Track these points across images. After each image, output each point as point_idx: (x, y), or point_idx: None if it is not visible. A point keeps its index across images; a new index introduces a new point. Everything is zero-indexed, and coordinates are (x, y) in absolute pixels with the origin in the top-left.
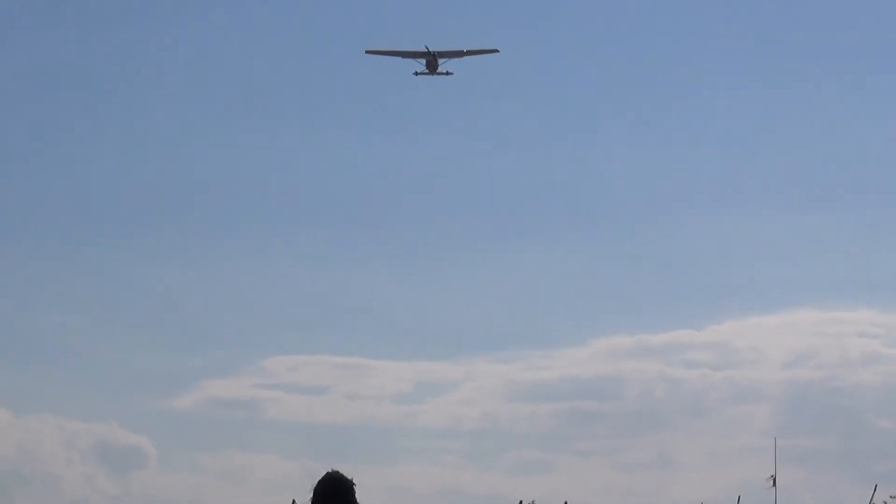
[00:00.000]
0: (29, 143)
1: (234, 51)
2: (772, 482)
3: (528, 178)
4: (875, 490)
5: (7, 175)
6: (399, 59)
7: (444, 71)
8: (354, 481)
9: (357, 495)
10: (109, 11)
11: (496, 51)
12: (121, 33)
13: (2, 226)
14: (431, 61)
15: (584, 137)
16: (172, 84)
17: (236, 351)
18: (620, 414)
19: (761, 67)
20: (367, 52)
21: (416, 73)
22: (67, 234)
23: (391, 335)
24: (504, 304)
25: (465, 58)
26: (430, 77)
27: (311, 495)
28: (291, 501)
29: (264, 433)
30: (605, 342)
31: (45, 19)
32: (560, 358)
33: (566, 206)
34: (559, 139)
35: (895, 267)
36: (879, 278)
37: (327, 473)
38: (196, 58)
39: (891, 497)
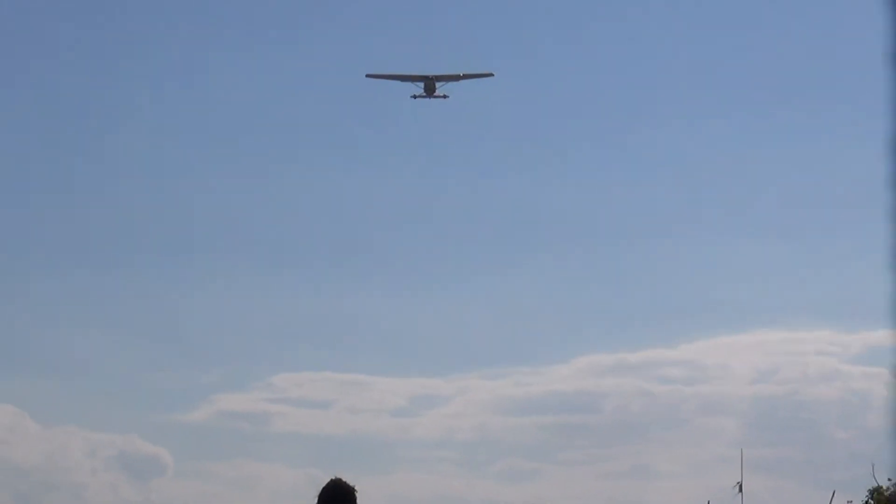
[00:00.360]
0: (58, 175)
1: (245, 82)
2: (738, 489)
3: (515, 203)
4: (833, 496)
5: (38, 209)
6: (398, 82)
7: (441, 94)
8: (356, 488)
9: (358, 501)
10: (128, 42)
11: (491, 74)
12: (137, 60)
13: (36, 254)
14: (429, 84)
15: (569, 165)
16: (184, 116)
17: (246, 368)
18: (601, 426)
19: (736, 105)
20: (368, 76)
21: (414, 97)
22: (95, 261)
23: (389, 354)
24: (493, 324)
25: (462, 81)
26: (427, 100)
27: (316, 501)
28: None
29: (272, 444)
30: (587, 360)
31: (71, 40)
32: (545, 374)
33: (552, 233)
34: (545, 165)
35: (851, 292)
36: (836, 302)
37: (331, 481)
38: (207, 91)
39: (848, 502)
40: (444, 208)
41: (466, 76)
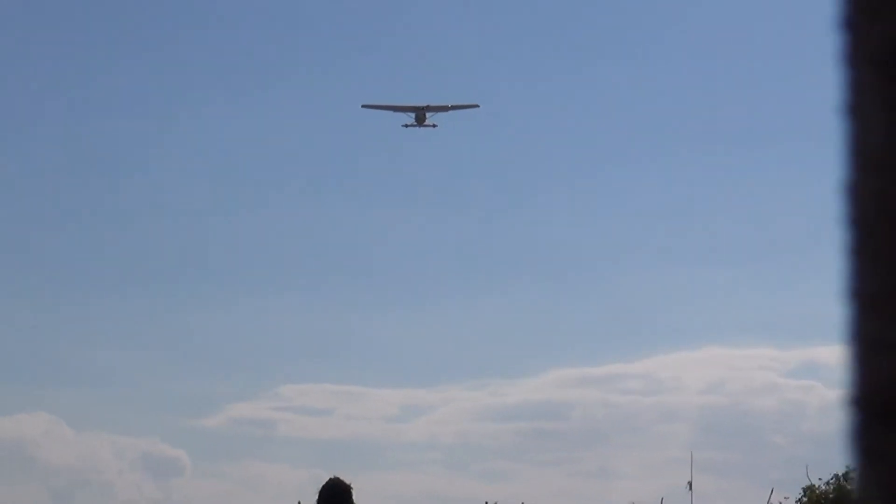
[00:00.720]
0: (90, 212)
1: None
2: (689, 487)
3: (494, 231)
4: (772, 492)
5: (74, 239)
6: (391, 112)
7: (431, 123)
8: (352, 485)
9: (355, 497)
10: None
11: (476, 105)
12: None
13: (70, 280)
14: (420, 115)
15: (541, 196)
16: (192, 150)
17: (256, 380)
18: (569, 432)
19: (688, 145)
20: (364, 106)
21: (406, 126)
22: (123, 285)
23: (382, 368)
24: (474, 341)
25: (450, 111)
26: (417, 129)
27: (317, 497)
28: (297, 503)
29: (279, 447)
30: (556, 374)
31: (98, 77)
32: (519, 386)
33: (526, 260)
34: (521, 195)
35: (788, 314)
36: (776, 323)
37: (330, 479)
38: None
39: (784, 498)
40: (432, 236)
41: (454, 107)
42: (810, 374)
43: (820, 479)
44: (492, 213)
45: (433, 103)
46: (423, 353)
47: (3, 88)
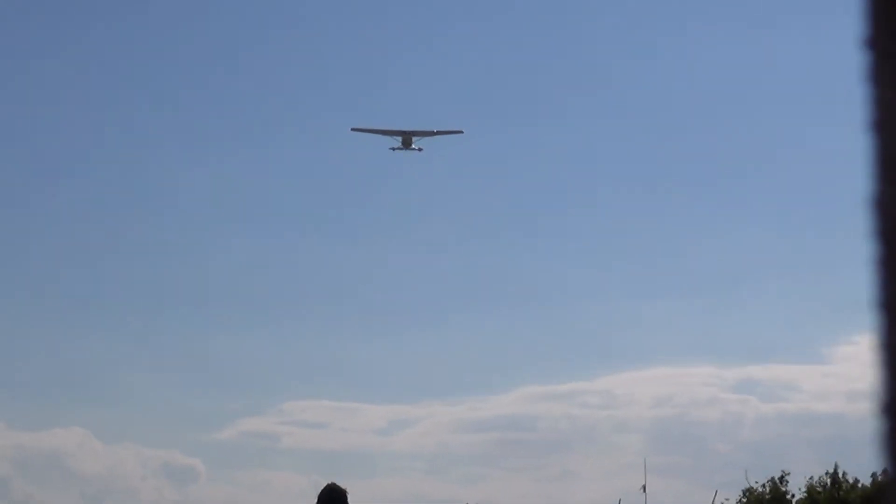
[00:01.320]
0: (114, 244)
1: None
2: (643, 489)
3: (472, 260)
4: (716, 494)
5: (99, 269)
6: (380, 136)
7: (417, 147)
8: (347, 490)
9: (349, 500)
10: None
11: (461, 132)
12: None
13: (100, 306)
14: (406, 139)
15: (509, 232)
16: (191, 188)
17: (263, 398)
18: (536, 441)
19: (634, 186)
20: (353, 129)
21: (393, 149)
22: (147, 311)
23: (372, 386)
24: (452, 363)
25: (435, 137)
26: (404, 152)
27: (316, 501)
28: None
29: (283, 457)
30: (524, 390)
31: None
32: (492, 401)
33: (498, 289)
34: (492, 229)
35: (727, 336)
36: (716, 345)
37: (328, 485)
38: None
39: (725, 499)
40: (416, 266)
41: (439, 133)
42: (747, 390)
43: (757, 481)
44: (468, 244)
45: (419, 129)
46: (408, 374)
47: (40, 126)
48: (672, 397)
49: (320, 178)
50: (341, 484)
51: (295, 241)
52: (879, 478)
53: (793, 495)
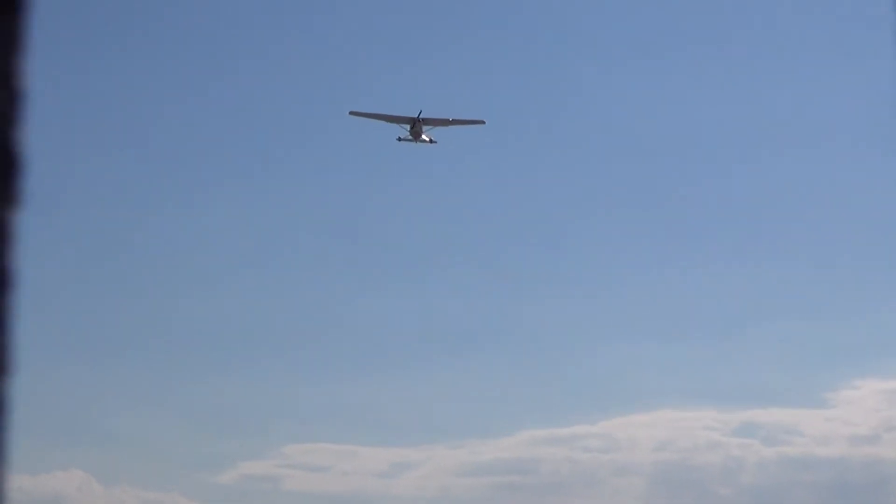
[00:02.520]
0: (116, 295)
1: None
2: None
3: (472, 308)
4: None
5: (103, 316)
6: (383, 123)
7: (428, 139)
8: None
9: None
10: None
11: (482, 122)
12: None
13: (101, 351)
14: (416, 128)
15: (513, 279)
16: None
17: (264, 441)
18: (538, 485)
19: (634, 235)
20: (351, 113)
21: (400, 139)
22: (148, 358)
23: (373, 429)
24: (454, 406)
25: (451, 127)
26: (413, 144)
27: None
28: None
29: (284, 500)
30: (527, 434)
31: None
32: (494, 445)
33: (502, 333)
34: (496, 273)
35: (729, 381)
36: (718, 389)
37: None
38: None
39: None
40: (418, 309)
41: (456, 122)
42: (749, 433)
43: None
44: (472, 283)
45: (430, 115)
46: (410, 416)
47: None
48: (674, 441)
49: (315, 179)
50: None
51: (296, 283)
52: None
53: None
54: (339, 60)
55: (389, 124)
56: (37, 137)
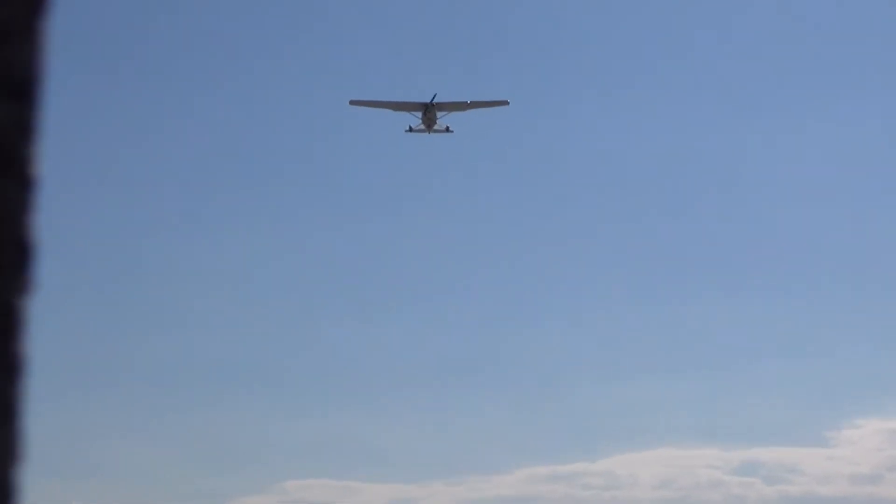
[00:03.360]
0: (117, 333)
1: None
2: None
3: (474, 343)
4: None
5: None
6: (390, 111)
7: (444, 127)
8: None
9: None
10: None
11: (506, 102)
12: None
13: (98, 384)
14: (429, 114)
15: (516, 312)
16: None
17: (265, 476)
18: None
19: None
20: (352, 102)
21: (410, 130)
22: (141, 390)
23: (374, 465)
24: (455, 443)
25: (470, 111)
26: (426, 136)
27: None
28: None
29: None
30: (527, 471)
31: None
32: (494, 482)
33: (503, 370)
34: (499, 311)
35: (730, 419)
36: (720, 427)
37: None
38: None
39: None
40: (418, 344)
41: (475, 104)
42: (750, 472)
43: None
44: (472, 319)
45: (446, 99)
46: (410, 452)
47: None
48: (675, 479)
49: (309, 189)
50: None
51: (295, 314)
52: None
53: None
54: (333, 45)
55: (397, 113)
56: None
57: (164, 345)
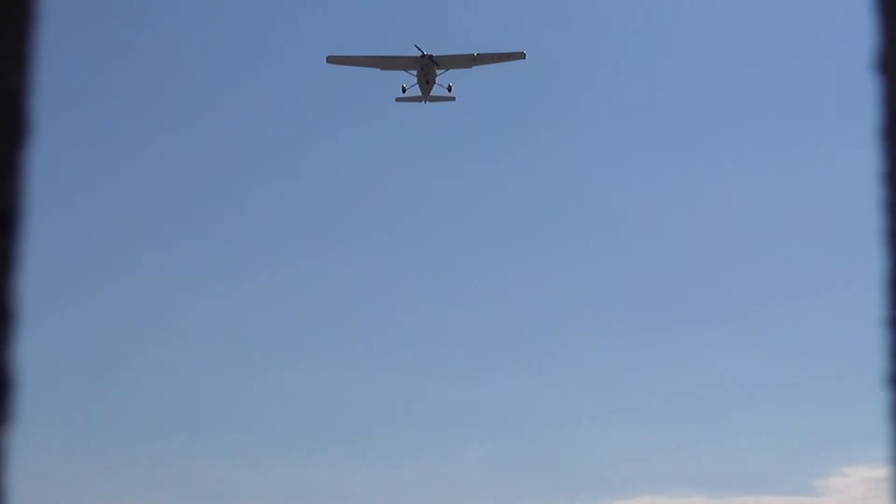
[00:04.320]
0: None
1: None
2: None
3: (461, 394)
4: None
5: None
6: (377, 72)
7: (446, 87)
8: None
9: None
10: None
11: (522, 55)
12: None
13: (94, 434)
14: (426, 70)
15: (508, 363)
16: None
17: None
18: None
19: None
20: (330, 60)
21: (402, 93)
22: (139, 440)
23: None
24: (441, 490)
25: (477, 67)
26: (421, 106)
27: None
28: None
29: None
30: None
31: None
32: None
33: (486, 415)
34: (488, 360)
35: (717, 467)
36: (707, 475)
37: None
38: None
39: None
40: (410, 394)
41: (484, 59)
42: None
43: None
44: (463, 371)
45: (447, 52)
46: (397, 499)
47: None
48: None
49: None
50: None
51: (295, 374)
52: None
53: None
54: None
55: (385, 72)
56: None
57: (157, 395)
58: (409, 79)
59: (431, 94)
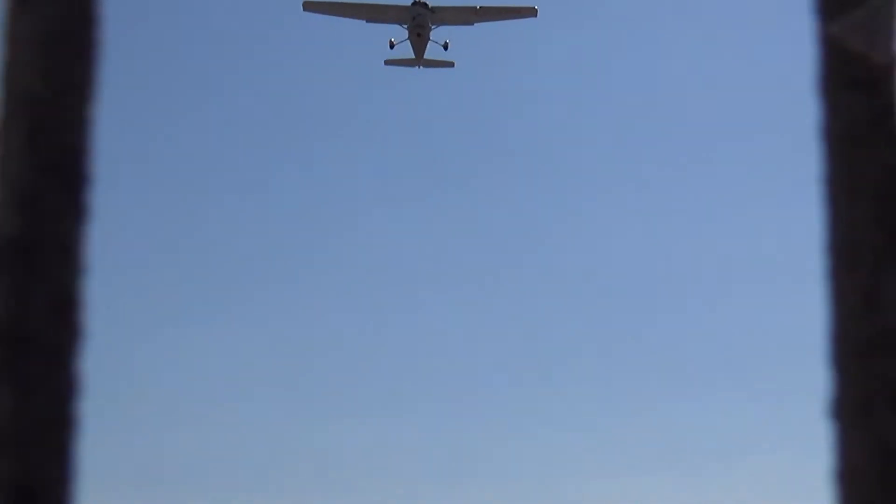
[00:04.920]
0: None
1: None
2: None
3: (450, 433)
4: None
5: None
6: (361, 23)
7: (442, 45)
8: None
9: None
10: None
11: (533, 11)
12: None
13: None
14: (417, 22)
15: (501, 404)
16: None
17: None
18: None
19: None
20: (307, 7)
21: (390, 49)
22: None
23: None
24: None
25: (479, 24)
26: (414, 71)
27: None
28: None
29: None
30: None
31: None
32: None
33: (478, 462)
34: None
35: None
36: None
37: None
38: None
39: None
40: (402, 445)
41: (487, 13)
42: None
43: None
44: (457, 420)
45: (443, 3)
46: None
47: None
48: None
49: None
50: None
51: (288, 419)
52: None
53: None
54: None
55: (371, 24)
56: None
57: (156, 442)
58: (400, 33)
59: (426, 55)
